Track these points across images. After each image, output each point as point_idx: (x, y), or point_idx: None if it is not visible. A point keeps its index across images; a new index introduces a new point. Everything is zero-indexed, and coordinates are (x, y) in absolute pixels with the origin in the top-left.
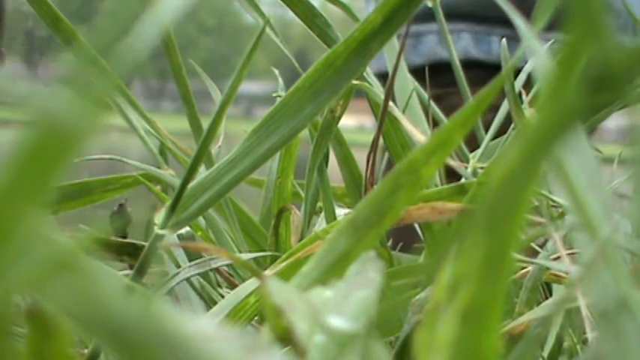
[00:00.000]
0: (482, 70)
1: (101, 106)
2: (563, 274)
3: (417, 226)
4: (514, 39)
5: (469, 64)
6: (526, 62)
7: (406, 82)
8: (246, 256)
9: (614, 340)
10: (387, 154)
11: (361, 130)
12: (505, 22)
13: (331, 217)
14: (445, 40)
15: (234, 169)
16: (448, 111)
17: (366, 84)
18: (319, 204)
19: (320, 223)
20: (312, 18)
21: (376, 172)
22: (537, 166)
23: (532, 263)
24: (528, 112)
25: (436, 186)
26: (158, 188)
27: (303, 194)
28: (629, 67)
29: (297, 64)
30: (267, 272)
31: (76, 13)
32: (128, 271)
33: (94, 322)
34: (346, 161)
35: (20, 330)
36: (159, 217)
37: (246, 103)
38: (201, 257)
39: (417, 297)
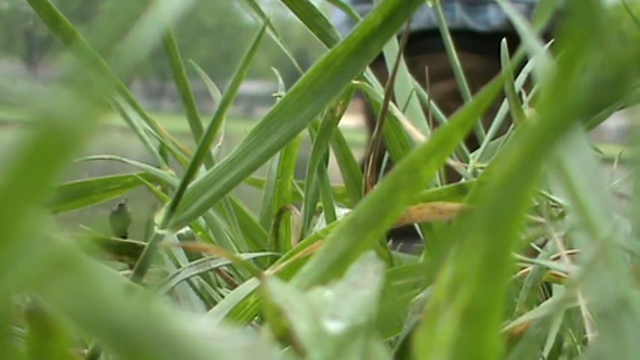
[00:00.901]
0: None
1: (101, 106)
2: (563, 274)
3: (417, 226)
4: (475, 4)
5: (434, 32)
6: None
7: (406, 82)
8: (246, 256)
9: (614, 340)
10: (387, 154)
11: (361, 130)
12: None
13: (331, 217)
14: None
15: (234, 169)
16: (419, 76)
17: (366, 84)
18: (319, 204)
19: (320, 223)
20: (312, 18)
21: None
22: (537, 166)
23: (532, 263)
24: (528, 112)
25: (436, 186)
26: (158, 188)
27: (303, 194)
28: (629, 67)
29: (297, 64)
30: (267, 272)
31: (76, 13)
32: (128, 271)
33: (94, 322)
34: (346, 161)
35: (20, 330)
36: (159, 217)
37: (246, 103)
38: (201, 257)
39: (417, 297)
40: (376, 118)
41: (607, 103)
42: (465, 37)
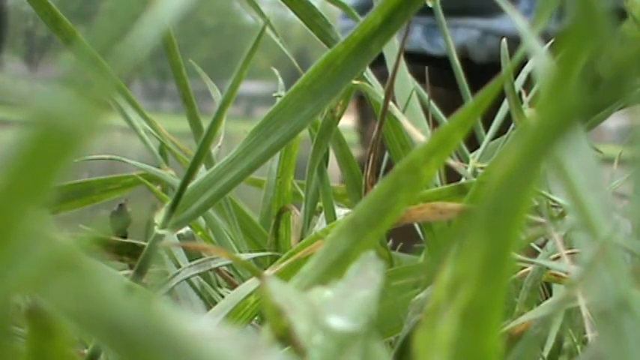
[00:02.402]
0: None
1: (101, 106)
2: (563, 274)
3: (417, 226)
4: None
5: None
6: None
7: (406, 82)
8: (246, 256)
9: (614, 340)
10: (387, 154)
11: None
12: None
13: (331, 217)
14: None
15: (234, 169)
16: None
17: (366, 84)
18: (319, 204)
19: (320, 223)
20: (312, 18)
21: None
22: (537, 166)
23: (532, 263)
24: (528, 112)
25: (436, 186)
26: (158, 188)
27: (303, 194)
28: (629, 67)
29: (297, 64)
30: (267, 272)
31: (76, 13)
32: (128, 271)
33: (94, 322)
34: (346, 161)
35: (20, 330)
36: (159, 217)
37: (246, 103)
38: (201, 257)
39: (417, 297)
40: (376, 117)
41: (607, 103)
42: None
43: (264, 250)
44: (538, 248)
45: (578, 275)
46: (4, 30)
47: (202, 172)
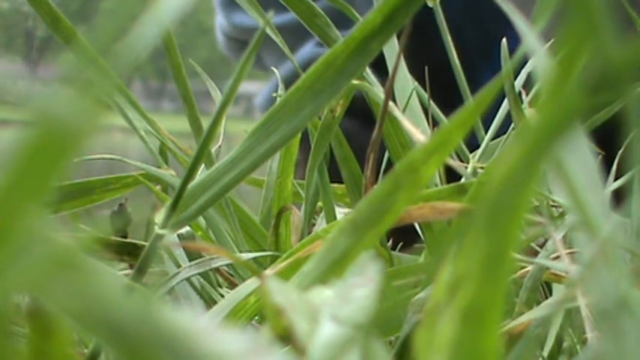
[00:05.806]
0: None
1: (101, 106)
2: (563, 274)
3: (417, 225)
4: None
5: None
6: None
7: (406, 82)
8: (246, 255)
9: (614, 340)
10: (387, 154)
11: None
12: None
13: (331, 217)
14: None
15: (234, 169)
16: None
17: (366, 84)
18: (319, 204)
19: (320, 223)
20: (312, 18)
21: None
22: (537, 166)
23: (532, 263)
24: (528, 112)
25: (436, 186)
26: (158, 188)
27: (303, 194)
28: (629, 67)
29: (297, 64)
30: (267, 272)
31: (76, 13)
32: (128, 271)
33: (95, 322)
34: (346, 161)
35: (20, 330)
36: (159, 216)
37: (246, 103)
38: (201, 257)
39: (417, 297)
40: (376, 117)
41: (607, 103)
42: None
43: (264, 250)
44: (538, 248)
45: (578, 275)
46: None
47: (202, 172)
